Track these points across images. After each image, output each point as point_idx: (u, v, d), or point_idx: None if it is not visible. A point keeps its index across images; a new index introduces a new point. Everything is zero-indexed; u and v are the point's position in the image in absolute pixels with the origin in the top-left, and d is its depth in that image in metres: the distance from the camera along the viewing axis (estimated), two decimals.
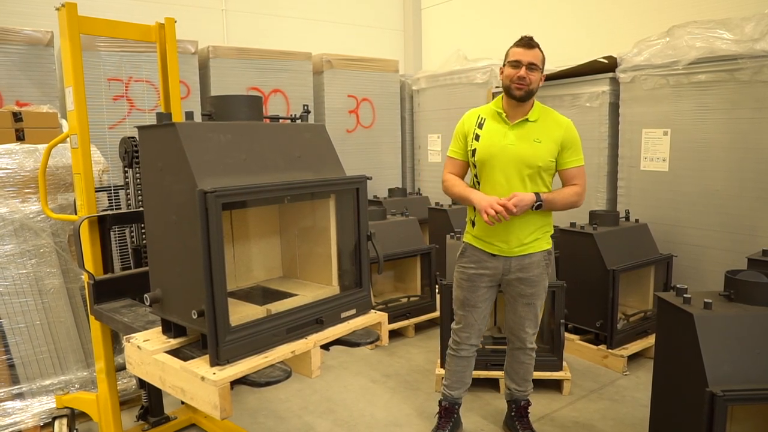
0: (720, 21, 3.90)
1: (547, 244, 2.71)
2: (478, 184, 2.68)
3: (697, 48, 3.92)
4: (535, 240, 2.65)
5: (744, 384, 2.03)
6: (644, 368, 3.73)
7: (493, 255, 2.67)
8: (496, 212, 2.44)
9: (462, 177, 2.75)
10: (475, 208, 2.66)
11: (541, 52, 2.59)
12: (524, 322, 2.78)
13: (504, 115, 2.62)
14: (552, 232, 2.75)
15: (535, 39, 2.59)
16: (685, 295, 2.30)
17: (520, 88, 2.53)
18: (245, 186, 1.77)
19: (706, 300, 2.22)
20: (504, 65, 2.62)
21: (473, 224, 2.73)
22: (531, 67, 2.52)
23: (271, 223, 2.35)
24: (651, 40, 4.26)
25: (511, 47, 2.60)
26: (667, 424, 2.41)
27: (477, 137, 2.64)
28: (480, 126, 2.66)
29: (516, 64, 2.54)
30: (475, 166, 2.66)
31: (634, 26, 5.34)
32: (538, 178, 2.60)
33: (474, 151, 2.63)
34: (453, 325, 2.90)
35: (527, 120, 2.60)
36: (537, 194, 2.52)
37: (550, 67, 5.30)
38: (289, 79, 5.60)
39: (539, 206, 2.52)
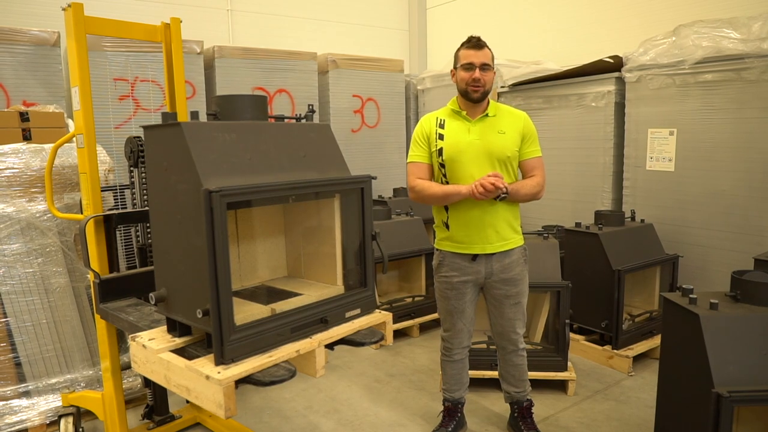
0: (726, 20, 3.88)
1: (521, 240, 2.75)
2: (447, 183, 2.66)
3: (704, 47, 3.91)
4: (511, 235, 2.68)
5: (750, 385, 2.01)
6: (650, 369, 3.72)
7: (474, 258, 2.66)
8: (491, 183, 2.42)
9: (429, 180, 2.71)
10: (447, 209, 2.67)
11: (490, 50, 2.62)
12: (514, 324, 2.78)
13: (464, 113, 2.65)
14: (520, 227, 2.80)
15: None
16: (690, 296, 2.28)
17: (477, 90, 2.57)
18: (250, 185, 1.77)
19: (712, 300, 2.21)
20: (455, 68, 2.65)
21: (447, 226, 2.69)
22: (484, 67, 2.57)
23: (275, 223, 2.36)
24: (657, 40, 4.24)
25: (459, 50, 2.64)
26: (672, 425, 2.40)
27: (441, 137, 2.65)
28: (441, 126, 2.68)
29: (469, 67, 2.57)
30: (443, 166, 2.64)
31: (640, 25, 5.32)
32: (506, 169, 2.63)
33: (441, 150, 2.63)
34: (442, 333, 2.91)
35: (487, 115, 2.64)
36: (505, 185, 2.52)
37: (556, 66, 5.33)
38: (294, 79, 5.60)
39: (504, 197, 2.52)
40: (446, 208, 2.68)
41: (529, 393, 2.97)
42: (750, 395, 1.99)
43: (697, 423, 2.11)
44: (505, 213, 2.64)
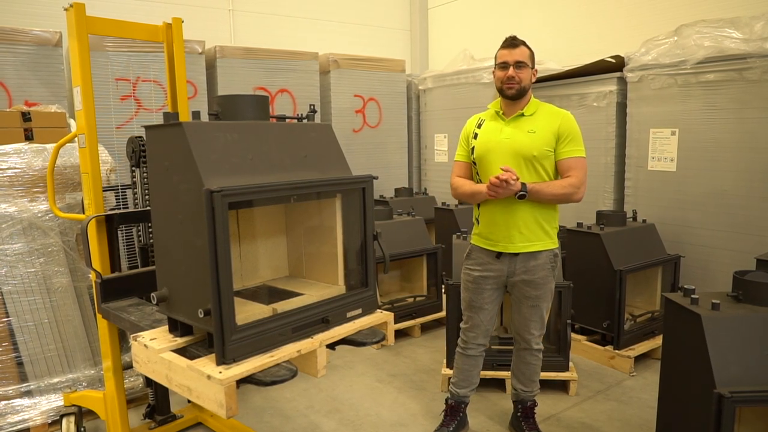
0: (729, 20, 3.87)
1: (553, 244, 2.69)
2: (480, 182, 2.73)
3: (706, 47, 3.90)
4: (539, 237, 2.65)
5: (752, 385, 2.01)
6: (651, 369, 3.72)
7: (498, 256, 2.67)
8: (499, 178, 2.42)
9: (469, 179, 2.80)
10: (479, 206, 2.74)
11: (528, 48, 2.64)
12: (529, 324, 2.78)
13: (501, 113, 2.70)
14: (557, 229, 2.74)
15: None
16: (692, 296, 2.28)
17: (511, 87, 2.60)
18: (251, 185, 1.77)
19: (713, 301, 2.21)
20: (495, 68, 2.70)
21: (477, 222, 2.76)
22: (518, 65, 2.59)
23: (277, 223, 2.36)
24: (659, 40, 4.24)
25: (498, 50, 2.67)
26: (674, 425, 2.40)
27: (476, 136, 2.73)
28: (479, 126, 2.76)
29: (504, 66, 2.62)
30: (475, 164, 2.73)
31: (642, 25, 5.32)
32: (534, 168, 2.60)
33: (473, 149, 2.72)
34: (461, 325, 2.92)
35: (522, 114, 2.65)
36: (523, 184, 2.50)
37: (558, 66, 5.32)
38: (296, 79, 5.60)
39: (522, 196, 2.49)
40: (478, 205, 2.75)
41: (536, 395, 2.96)
42: (752, 396, 1.99)
43: (699, 423, 2.10)
44: (530, 214, 2.60)
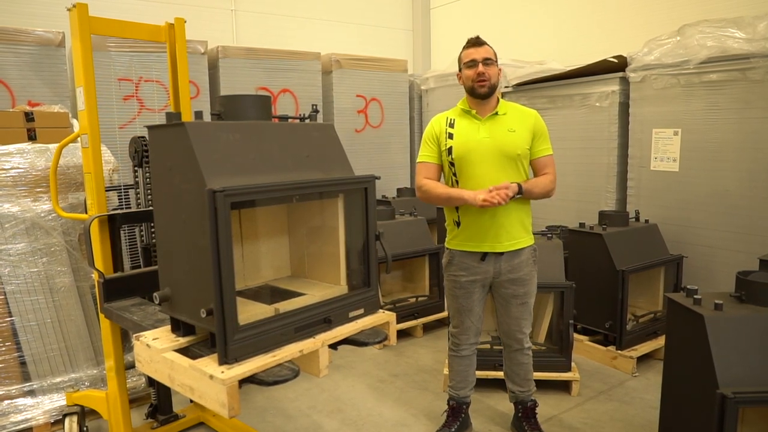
0: (731, 20, 3.86)
1: (532, 240, 2.75)
2: (457, 182, 2.67)
3: (709, 47, 3.89)
4: (522, 234, 2.68)
5: (755, 386, 2.01)
6: (654, 370, 3.71)
7: (483, 258, 2.66)
8: (497, 195, 2.43)
9: (437, 181, 2.75)
10: (458, 209, 2.69)
11: (491, 47, 2.65)
12: (521, 323, 2.78)
13: (474, 112, 2.66)
14: (532, 226, 2.79)
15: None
16: (695, 296, 2.28)
17: (483, 85, 2.59)
18: (254, 185, 1.77)
19: (716, 301, 2.20)
20: (460, 70, 2.68)
21: (458, 225, 2.71)
22: (486, 62, 2.59)
23: (279, 223, 2.36)
24: (661, 39, 4.23)
25: (461, 52, 2.67)
26: (676, 426, 2.39)
27: (450, 136, 2.66)
28: (451, 126, 2.69)
29: (472, 64, 2.60)
30: (452, 165, 2.66)
31: (645, 25, 5.31)
32: (517, 167, 2.62)
33: (450, 149, 2.64)
34: (451, 329, 2.92)
35: (497, 113, 2.64)
36: (519, 184, 2.53)
37: (560, 66, 5.31)
38: (298, 79, 5.60)
39: (518, 196, 2.55)
40: (456, 207, 2.69)
41: (533, 393, 2.96)
42: (755, 396, 1.99)
43: (702, 424, 2.10)
44: (517, 213, 2.64)
